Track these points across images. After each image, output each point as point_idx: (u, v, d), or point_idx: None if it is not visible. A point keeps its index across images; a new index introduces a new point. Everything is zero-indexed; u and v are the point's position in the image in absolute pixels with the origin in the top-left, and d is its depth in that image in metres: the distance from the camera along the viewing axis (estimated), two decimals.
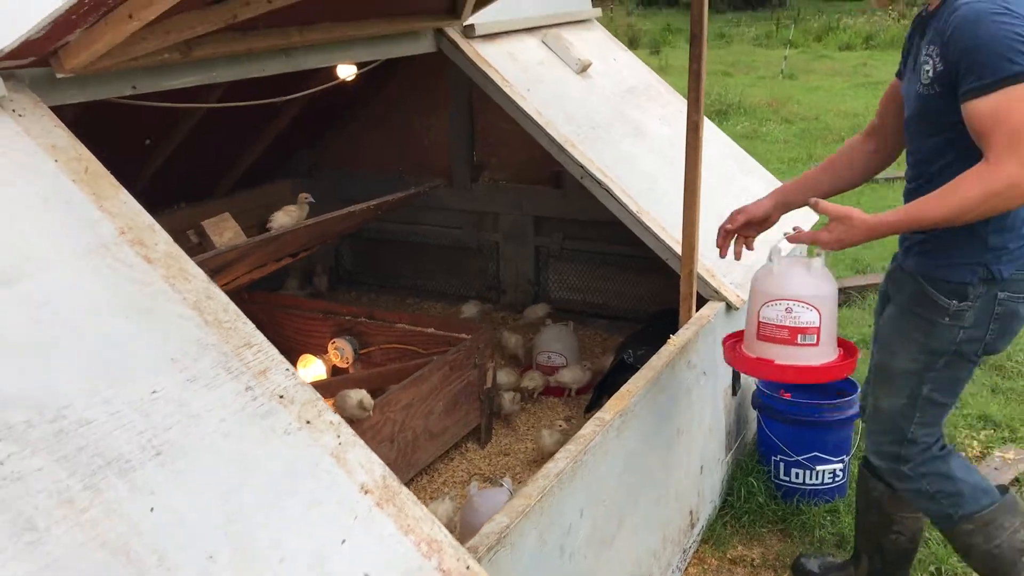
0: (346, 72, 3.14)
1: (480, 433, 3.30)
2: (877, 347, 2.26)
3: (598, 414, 2.14)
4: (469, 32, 3.06)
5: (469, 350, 3.15)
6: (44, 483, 1.26)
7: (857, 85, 12.82)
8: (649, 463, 2.36)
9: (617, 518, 2.18)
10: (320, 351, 3.55)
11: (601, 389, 3.17)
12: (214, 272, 2.58)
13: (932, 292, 2.06)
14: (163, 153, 3.58)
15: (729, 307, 2.84)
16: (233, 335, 1.62)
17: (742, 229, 2.31)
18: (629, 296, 4.19)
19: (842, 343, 2.21)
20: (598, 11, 3.98)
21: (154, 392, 1.45)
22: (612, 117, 3.39)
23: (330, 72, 3.20)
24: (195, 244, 2.50)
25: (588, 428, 2.08)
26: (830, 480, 2.94)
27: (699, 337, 2.64)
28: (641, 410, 2.26)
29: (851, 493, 3.01)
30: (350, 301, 4.57)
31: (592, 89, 3.49)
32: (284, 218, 3.21)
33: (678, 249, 2.75)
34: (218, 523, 1.36)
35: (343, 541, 1.46)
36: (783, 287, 2.11)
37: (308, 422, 1.58)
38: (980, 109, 1.84)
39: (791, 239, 2.09)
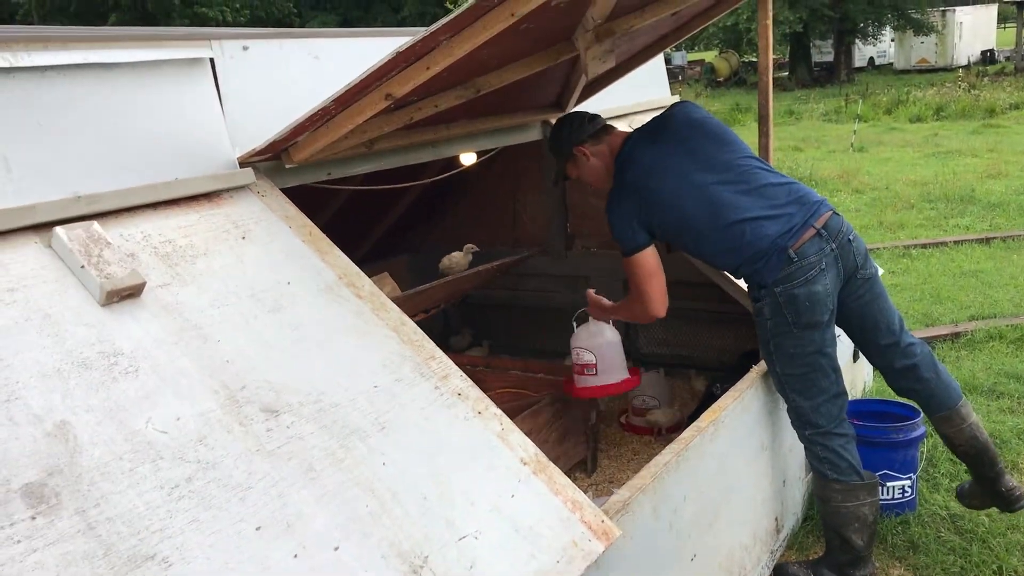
0: (468, 160, 3.76)
1: (587, 464, 3.78)
2: None
3: (696, 422, 2.63)
4: None
5: None
6: (315, 441, 1.82)
7: (928, 155, 13.16)
8: (738, 469, 2.82)
9: (714, 509, 2.64)
10: None
11: (693, 418, 3.62)
12: None
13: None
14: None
15: None
16: (422, 350, 2.19)
17: None
18: (712, 348, 4.65)
19: (633, 371, 3.52)
20: (676, 97, 4.57)
21: (375, 387, 2.02)
22: None
23: (449, 159, 3.84)
24: None
25: (688, 432, 2.57)
26: (900, 495, 3.33)
27: None
28: (731, 422, 2.74)
29: (921, 509, 3.40)
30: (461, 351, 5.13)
31: None
32: (447, 262, 3.83)
33: None
34: (426, 475, 1.90)
35: (512, 496, 1.98)
36: (574, 340, 3.46)
37: (479, 413, 2.12)
38: None
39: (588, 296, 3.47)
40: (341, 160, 2.63)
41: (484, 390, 4.04)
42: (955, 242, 7.62)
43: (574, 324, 3.45)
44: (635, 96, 4.14)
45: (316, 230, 2.34)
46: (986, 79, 24.66)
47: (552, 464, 2.11)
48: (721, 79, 33.21)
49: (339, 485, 1.77)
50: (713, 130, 2.93)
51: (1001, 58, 33.48)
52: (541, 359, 5.11)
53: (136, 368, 1.75)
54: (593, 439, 3.78)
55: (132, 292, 1.86)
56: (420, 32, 1.97)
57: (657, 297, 2.91)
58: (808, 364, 2.79)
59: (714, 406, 2.74)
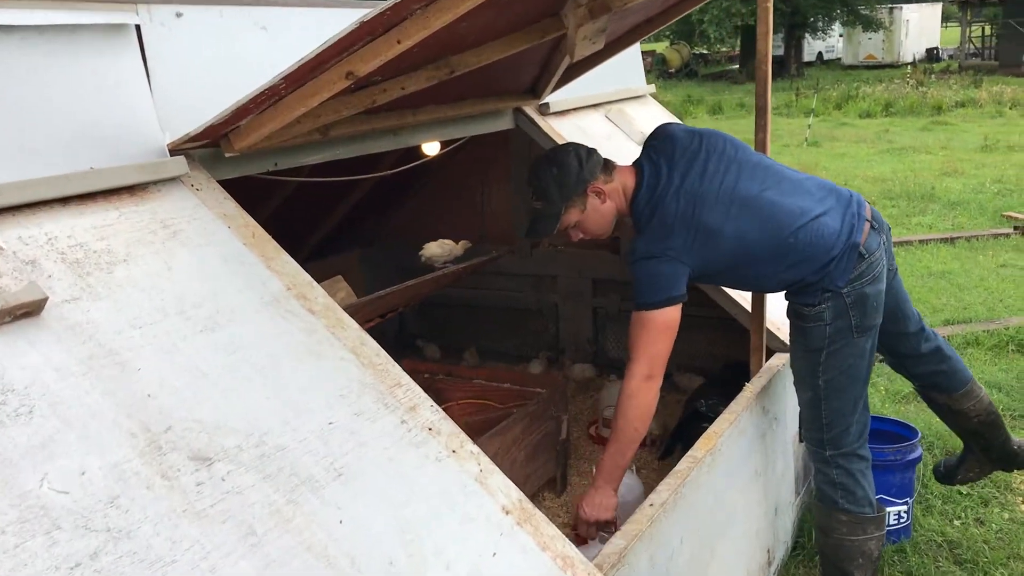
0: (432, 149, 3.42)
1: (556, 483, 3.49)
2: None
3: (691, 452, 2.35)
4: (544, 109, 3.34)
5: (547, 402, 3.36)
6: (257, 496, 1.48)
7: (882, 151, 13.14)
8: (734, 500, 2.55)
9: (710, 548, 2.36)
10: None
11: (675, 438, 3.35)
12: None
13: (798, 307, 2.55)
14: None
15: None
16: (386, 376, 1.86)
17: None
18: (686, 353, 4.37)
19: None
20: (652, 87, 4.28)
21: (330, 423, 1.68)
22: None
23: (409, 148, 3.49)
24: None
25: (683, 464, 2.28)
26: (895, 521, 3.10)
27: (771, 386, 2.84)
28: (727, 450, 2.46)
29: (916, 535, 3.17)
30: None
31: None
32: (437, 249, 3.44)
33: (747, 304, 2.98)
34: (392, 532, 1.58)
35: (494, 554, 1.67)
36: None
37: (454, 451, 1.80)
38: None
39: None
40: (291, 148, 2.27)
41: (444, 401, 3.77)
42: (920, 241, 7.49)
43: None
44: (613, 83, 3.84)
45: (260, 231, 1.99)
46: (932, 76, 24.93)
47: (538, 512, 1.81)
48: (672, 70, 33.17)
49: (286, 552, 1.43)
50: (720, 133, 2.61)
51: (945, 56, 34.00)
52: (503, 362, 4.83)
53: (30, 408, 1.39)
54: (563, 456, 3.48)
55: (29, 310, 1.49)
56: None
57: (664, 364, 2.43)
58: (854, 376, 2.52)
59: (709, 431, 2.45)
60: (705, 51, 34.78)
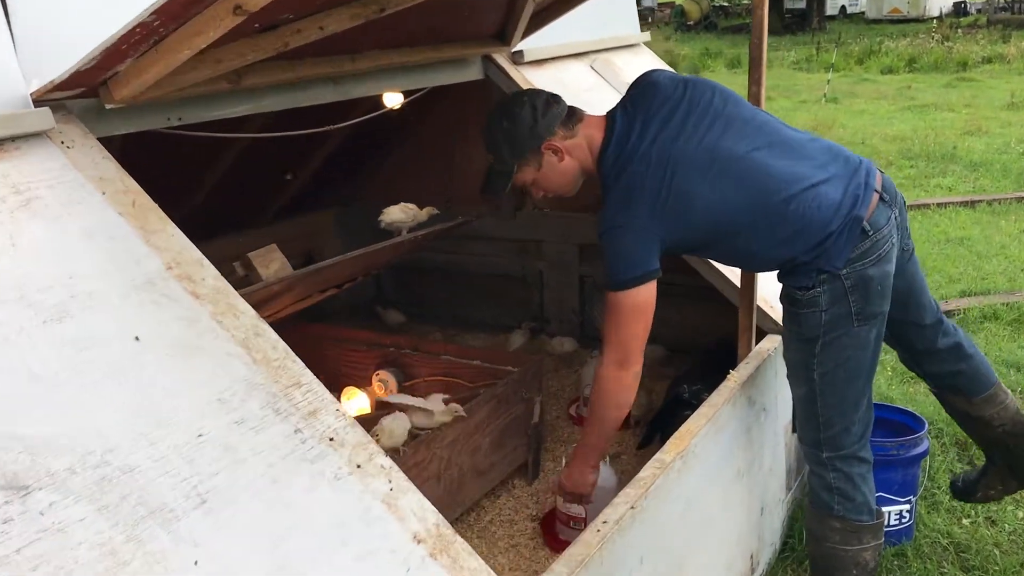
0: (393, 101, 3.09)
1: (527, 469, 3.20)
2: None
3: (658, 455, 2.04)
4: (517, 58, 3.00)
5: (516, 384, 3.07)
6: (86, 534, 1.19)
7: (903, 108, 12.63)
8: (710, 506, 2.25)
9: (678, 564, 2.07)
10: (364, 383, 3.49)
11: (655, 425, 3.06)
12: (260, 304, 2.53)
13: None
14: (209, 183, 3.56)
15: None
16: (283, 374, 1.56)
17: None
18: (677, 325, 4.05)
19: None
20: (646, 35, 3.91)
21: (200, 436, 1.39)
22: None
23: (375, 100, 3.16)
24: (241, 276, 2.45)
25: (647, 471, 1.98)
26: (896, 522, 2.80)
27: (759, 372, 2.53)
28: (702, 451, 2.16)
29: (919, 536, 2.87)
30: (397, 332, 4.51)
31: None
32: (399, 214, 3.13)
33: (736, 279, 2.65)
34: (266, 575, 1.29)
35: None
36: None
37: (359, 466, 1.51)
38: None
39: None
40: (195, 99, 1.95)
41: (409, 378, 3.48)
42: (938, 204, 7.09)
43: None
44: (601, 30, 3.48)
45: (144, 198, 1.68)
46: (959, 31, 24.10)
47: (459, 540, 1.51)
48: (691, 23, 32.32)
49: None
50: (711, 84, 2.27)
51: (973, 10, 32.97)
52: (483, 332, 4.53)
53: None
54: (536, 440, 3.19)
55: None
56: None
57: (639, 362, 2.21)
58: (855, 370, 2.19)
59: (681, 431, 2.15)
60: (725, 3, 33.88)
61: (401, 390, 3.40)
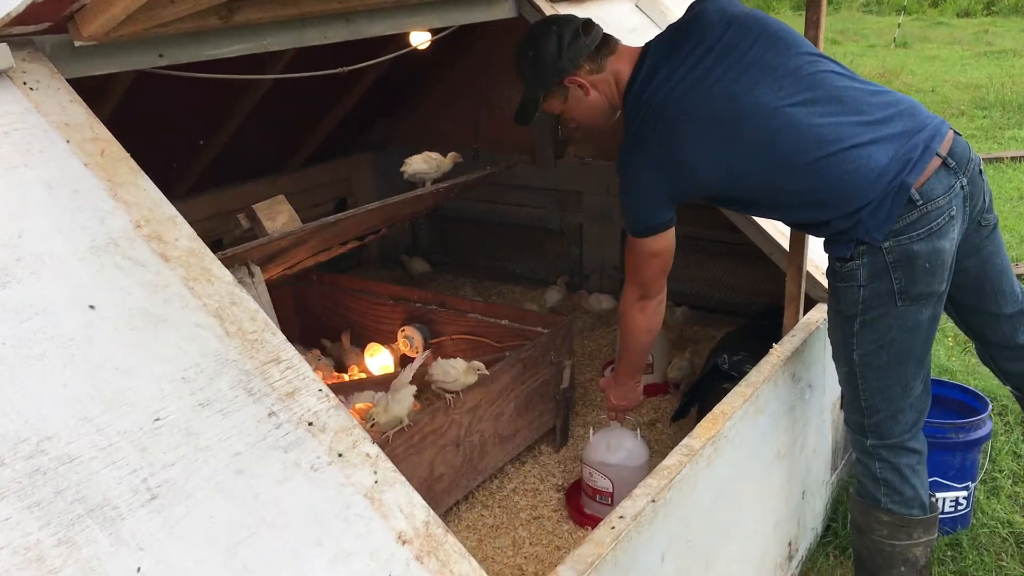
0: (419, 40, 2.88)
1: (555, 435, 3.04)
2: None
3: (686, 440, 1.85)
4: None
5: (545, 346, 2.89)
6: (10, 537, 1.05)
7: (979, 54, 11.95)
8: (743, 493, 2.06)
9: (704, 559, 1.89)
10: (389, 339, 3.35)
11: (691, 396, 2.85)
12: (267, 259, 2.37)
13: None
14: (231, 128, 3.39)
15: None
16: (259, 348, 1.39)
17: None
18: (725, 286, 3.84)
19: None
20: None
21: (157, 420, 1.23)
22: None
23: (404, 41, 2.95)
24: (247, 230, 2.30)
25: (673, 458, 1.79)
26: (951, 509, 2.58)
27: (806, 346, 2.31)
28: (736, 435, 1.96)
29: (976, 524, 2.65)
30: (426, 282, 4.35)
31: None
32: (422, 164, 2.97)
33: (784, 242, 2.42)
34: None
35: None
36: (588, 455, 2.59)
37: (340, 455, 1.34)
38: None
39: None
40: (181, 37, 1.77)
41: (436, 335, 3.32)
42: (1012, 159, 6.66)
43: (590, 432, 2.65)
44: None
45: (115, 146, 1.51)
46: None
47: (450, 538, 1.34)
48: None
49: None
50: (761, 25, 2.01)
51: None
52: (518, 285, 4.35)
53: None
54: (565, 405, 3.02)
55: None
56: None
57: (662, 292, 2.23)
58: (901, 353, 1.96)
59: (715, 412, 1.94)
60: None
61: (427, 348, 3.24)
